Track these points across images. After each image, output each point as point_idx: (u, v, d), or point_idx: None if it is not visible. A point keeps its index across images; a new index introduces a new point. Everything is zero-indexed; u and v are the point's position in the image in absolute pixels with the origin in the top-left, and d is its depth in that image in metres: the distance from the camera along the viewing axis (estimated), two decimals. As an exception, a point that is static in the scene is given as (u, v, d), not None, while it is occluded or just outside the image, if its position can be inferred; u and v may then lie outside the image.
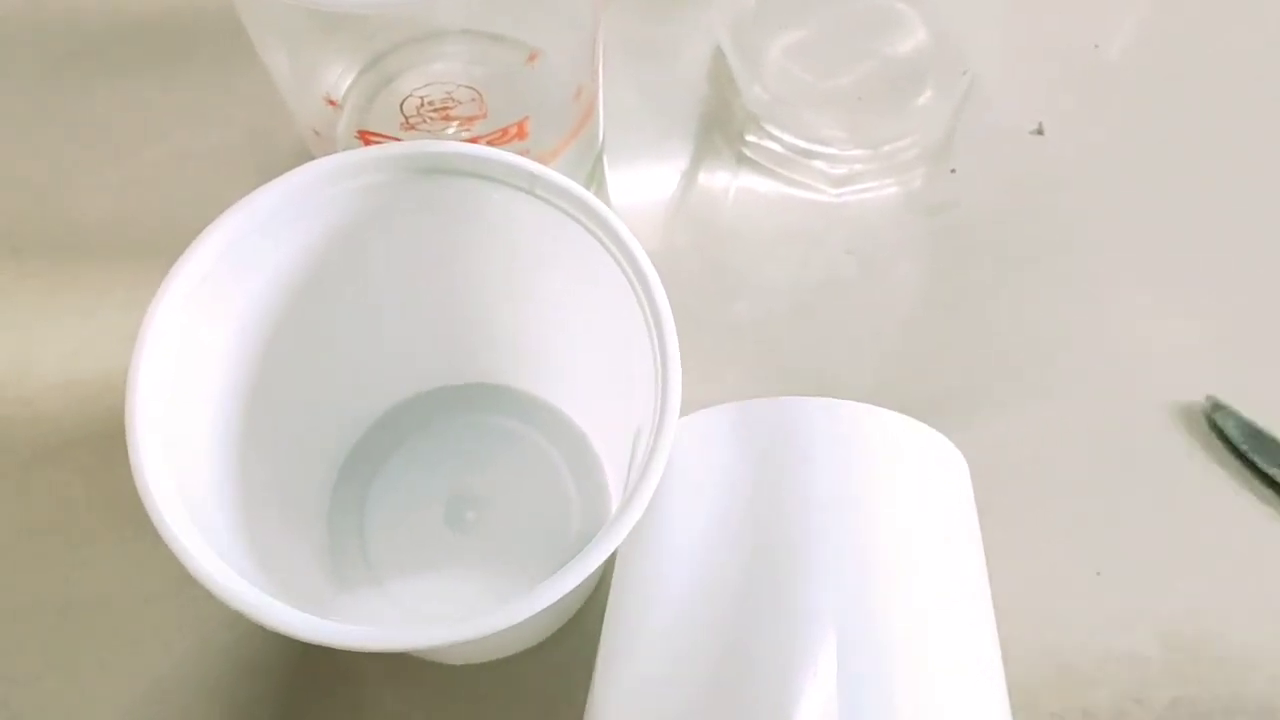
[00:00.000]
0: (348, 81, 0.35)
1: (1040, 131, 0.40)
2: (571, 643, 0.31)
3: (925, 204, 0.39)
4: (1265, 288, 0.38)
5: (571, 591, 0.21)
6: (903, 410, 0.26)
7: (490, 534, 0.32)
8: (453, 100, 0.30)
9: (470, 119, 0.31)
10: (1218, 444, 0.35)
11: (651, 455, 0.22)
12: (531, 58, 0.32)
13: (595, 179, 0.39)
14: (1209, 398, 0.35)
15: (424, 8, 0.28)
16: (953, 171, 0.40)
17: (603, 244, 0.25)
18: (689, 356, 0.38)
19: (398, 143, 0.26)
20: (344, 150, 0.31)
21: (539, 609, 0.21)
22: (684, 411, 0.24)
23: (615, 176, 0.40)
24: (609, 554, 0.21)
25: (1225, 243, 0.38)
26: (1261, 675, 0.32)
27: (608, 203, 0.39)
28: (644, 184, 0.40)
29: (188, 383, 0.24)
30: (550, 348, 0.32)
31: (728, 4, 0.40)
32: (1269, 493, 0.34)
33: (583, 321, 0.28)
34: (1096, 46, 0.42)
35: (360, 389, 0.32)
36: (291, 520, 0.30)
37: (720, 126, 0.40)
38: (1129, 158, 0.40)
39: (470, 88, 0.30)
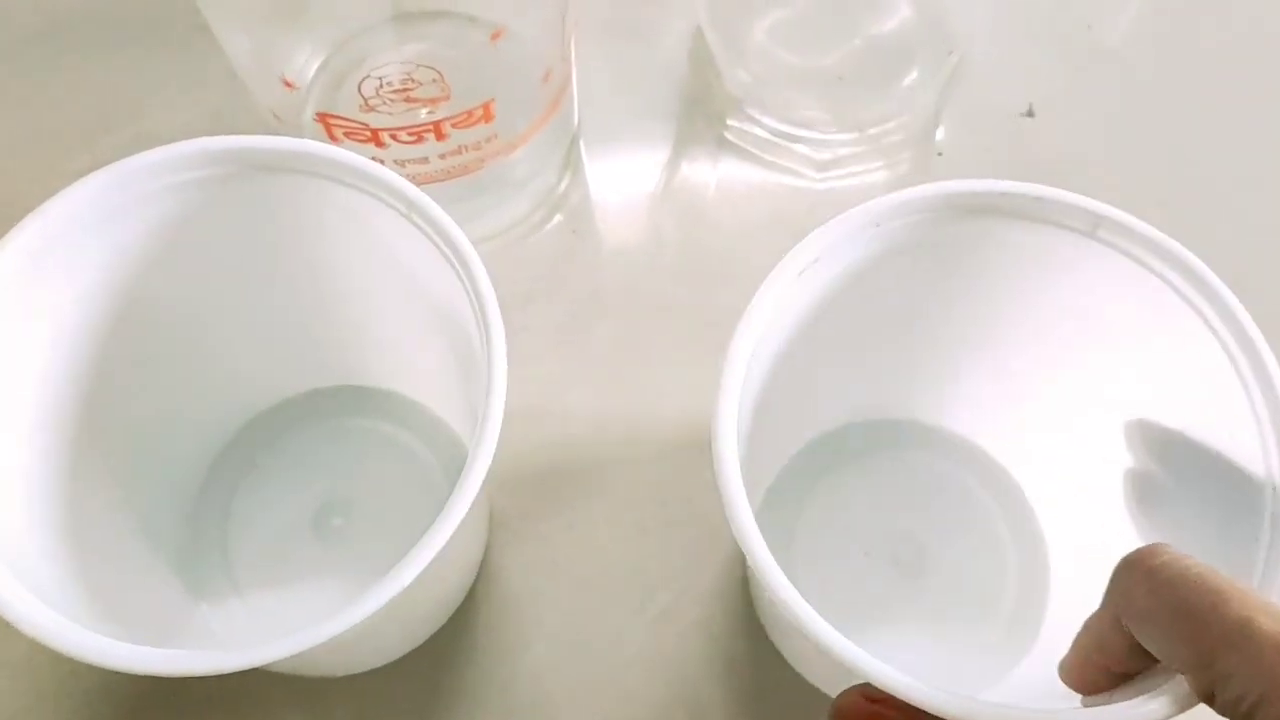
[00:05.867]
0: (315, 64, 0.34)
1: (1030, 114, 0.39)
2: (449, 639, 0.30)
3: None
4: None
5: (418, 591, 0.20)
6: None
7: (358, 540, 0.31)
8: (413, 81, 0.29)
9: (433, 101, 0.30)
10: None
11: (480, 437, 0.22)
12: (495, 36, 0.31)
13: (571, 165, 0.38)
14: None
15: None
16: (939, 155, 0.38)
17: (421, 230, 0.24)
18: (672, 346, 0.37)
19: (221, 137, 0.24)
20: (308, 135, 0.30)
21: (344, 629, 0.20)
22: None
23: (593, 163, 0.38)
24: (441, 545, 0.21)
25: (1218, 229, 0.37)
26: None
27: (586, 189, 0.38)
28: (623, 170, 0.39)
29: None
30: (405, 345, 0.31)
31: (707, -17, 0.39)
32: None
33: (422, 313, 0.27)
34: (1090, 27, 0.41)
35: (217, 396, 0.31)
36: (144, 533, 0.29)
37: (701, 110, 0.39)
38: (1121, 141, 0.39)
39: (430, 68, 0.29)
